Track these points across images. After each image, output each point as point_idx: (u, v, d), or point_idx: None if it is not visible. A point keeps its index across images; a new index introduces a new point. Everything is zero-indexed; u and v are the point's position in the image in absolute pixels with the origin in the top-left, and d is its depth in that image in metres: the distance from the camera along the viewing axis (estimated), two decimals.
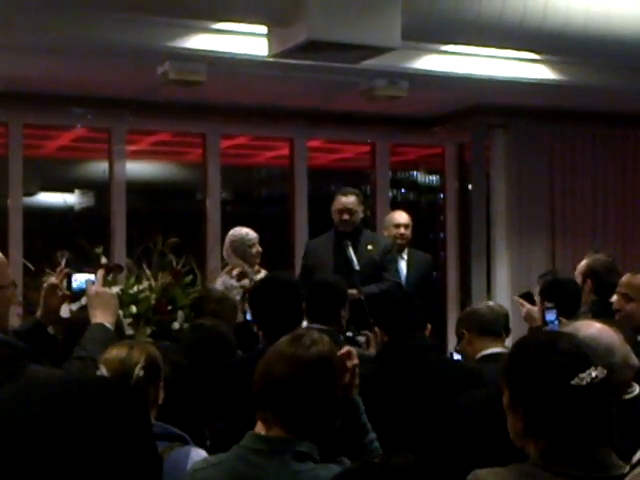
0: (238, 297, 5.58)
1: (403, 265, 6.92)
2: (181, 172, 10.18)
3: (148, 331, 4.82)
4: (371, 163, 8.95)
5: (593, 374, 2.17)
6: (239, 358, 4.03)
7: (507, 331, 4.46)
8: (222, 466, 2.50)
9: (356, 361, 2.70)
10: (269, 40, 5.51)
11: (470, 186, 8.88)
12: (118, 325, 3.60)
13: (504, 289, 8.22)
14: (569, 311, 4.87)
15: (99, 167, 8.35)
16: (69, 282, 3.74)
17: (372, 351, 4.48)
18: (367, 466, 1.96)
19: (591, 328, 2.93)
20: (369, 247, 6.17)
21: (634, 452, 1.92)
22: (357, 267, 5.83)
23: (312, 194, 8.53)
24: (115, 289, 4.33)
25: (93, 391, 1.31)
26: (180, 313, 4.91)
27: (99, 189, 8.57)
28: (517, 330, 4.99)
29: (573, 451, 2.14)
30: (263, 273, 5.96)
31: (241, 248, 6.18)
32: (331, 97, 7.70)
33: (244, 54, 6.07)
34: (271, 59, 5.63)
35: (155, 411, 2.87)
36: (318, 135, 8.83)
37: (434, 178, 9.99)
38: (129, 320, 4.72)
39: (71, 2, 5.46)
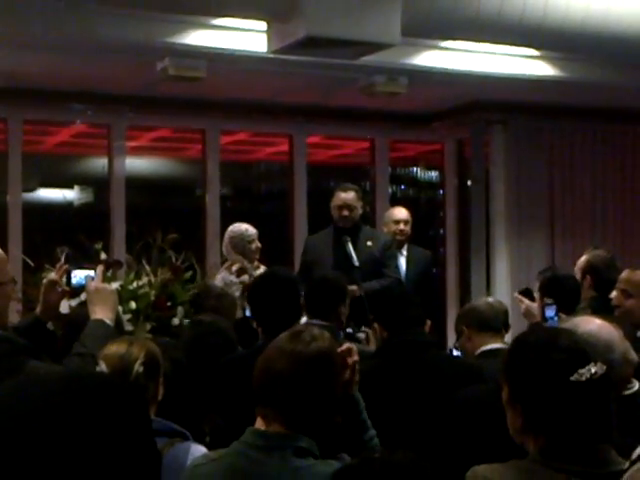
0: (237, 293, 5.59)
1: (403, 261, 6.92)
2: (181, 168, 10.18)
3: (148, 327, 4.82)
4: (370, 159, 8.95)
5: (592, 370, 2.17)
6: (239, 354, 4.03)
7: (506, 327, 4.45)
8: (222, 462, 2.50)
9: (356, 358, 2.70)
10: (268, 36, 5.51)
11: (469, 182, 8.88)
12: (117, 321, 3.60)
13: (504, 285, 8.23)
14: (568, 307, 4.88)
15: (99, 163, 8.34)
16: (68, 278, 3.74)
17: (372, 347, 4.48)
18: (367, 462, 1.96)
19: (590, 324, 2.93)
20: (368, 243, 6.17)
21: (634, 448, 1.92)
22: (356, 263, 5.82)
23: (311, 190, 8.53)
24: (114, 285, 4.33)
25: (92, 387, 1.31)
26: (180, 309, 4.92)
27: (99, 185, 8.57)
28: (517, 326, 4.99)
29: (573, 447, 2.14)
30: (262, 269, 5.96)
31: (240, 244, 6.18)
32: (331, 93, 7.70)
33: (244, 50, 6.07)
34: (271, 55, 5.63)
35: (155, 407, 2.87)
36: (317, 131, 8.82)
37: (434, 174, 9.99)
38: (128, 316, 4.72)
39: None
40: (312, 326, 2.81)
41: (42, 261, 4.84)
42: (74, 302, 4.01)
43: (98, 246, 4.98)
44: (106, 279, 4.15)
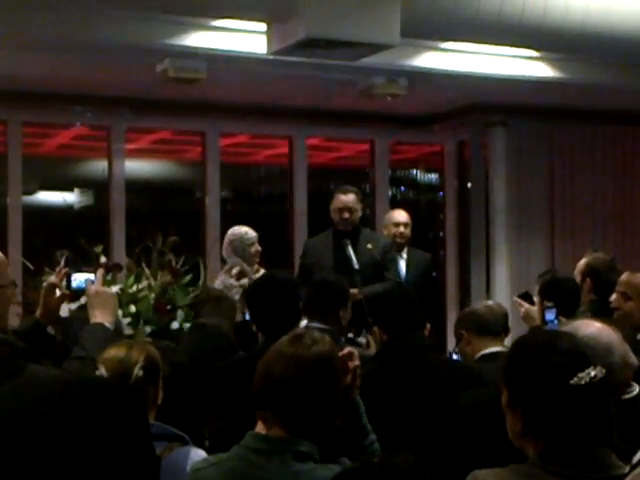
0: (237, 296, 5.58)
1: (402, 264, 6.91)
2: (180, 170, 10.18)
3: (147, 330, 4.82)
4: (370, 161, 8.95)
5: (592, 373, 2.17)
6: (238, 357, 4.03)
7: (506, 330, 4.44)
8: (222, 466, 2.50)
9: (357, 362, 2.69)
10: (268, 37, 5.51)
11: (469, 184, 8.88)
12: (116, 325, 3.60)
13: (503, 287, 8.22)
14: (568, 310, 4.87)
15: (98, 165, 8.34)
16: (68, 281, 3.74)
17: (373, 352, 4.47)
18: (367, 466, 1.95)
19: (590, 327, 2.92)
20: (368, 246, 6.15)
21: (634, 452, 1.92)
22: (356, 266, 5.81)
23: (311, 192, 8.53)
24: (114, 288, 4.34)
25: (91, 391, 1.31)
26: (179, 312, 4.92)
27: (98, 188, 8.56)
28: (517, 329, 4.99)
29: (572, 451, 2.14)
30: (262, 272, 5.96)
31: (240, 247, 6.17)
32: (330, 95, 7.70)
33: (243, 51, 6.07)
34: (270, 57, 5.63)
35: (154, 411, 2.86)
36: (317, 133, 8.83)
37: (433, 176, 9.98)
38: (128, 319, 4.72)
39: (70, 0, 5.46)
40: (313, 330, 2.80)
41: (42, 264, 4.85)
42: (74, 305, 4.01)
43: (98, 249, 4.99)
44: (106, 282, 4.16)
